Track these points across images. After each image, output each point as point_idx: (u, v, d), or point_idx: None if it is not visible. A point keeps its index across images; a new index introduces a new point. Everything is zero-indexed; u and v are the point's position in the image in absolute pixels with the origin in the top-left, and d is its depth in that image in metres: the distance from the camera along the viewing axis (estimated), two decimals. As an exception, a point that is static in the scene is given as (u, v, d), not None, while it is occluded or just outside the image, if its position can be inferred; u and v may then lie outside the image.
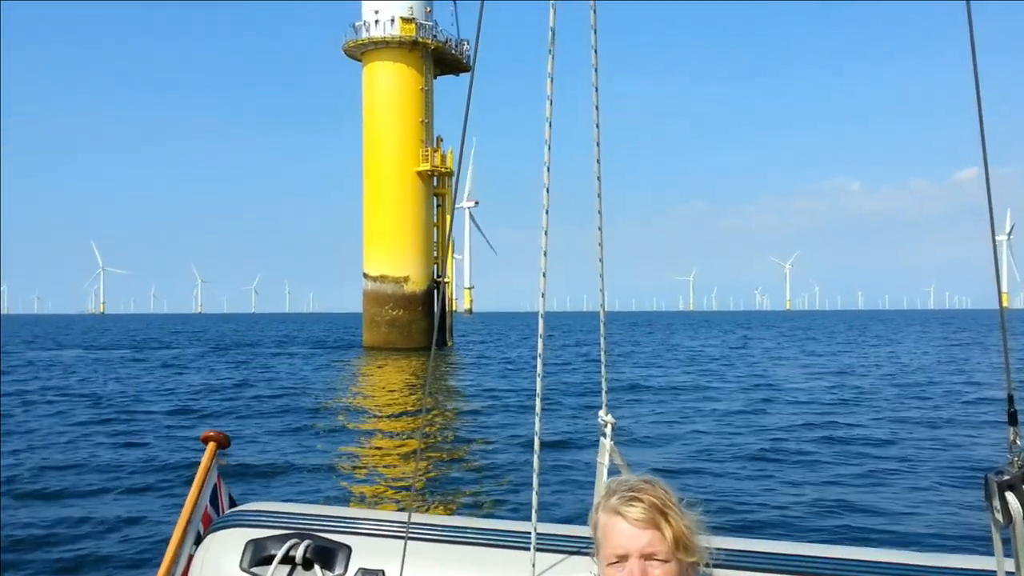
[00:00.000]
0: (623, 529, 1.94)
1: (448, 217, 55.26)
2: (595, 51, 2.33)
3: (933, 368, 33.59)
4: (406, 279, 52.51)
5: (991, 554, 1.93)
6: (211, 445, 2.86)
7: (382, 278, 52.58)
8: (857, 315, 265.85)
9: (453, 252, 55.98)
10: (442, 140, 54.41)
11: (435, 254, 54.48)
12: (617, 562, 1.94)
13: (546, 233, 2.35)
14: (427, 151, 52.93)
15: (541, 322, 2.36)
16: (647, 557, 1.91)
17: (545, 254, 2.37)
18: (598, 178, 2.47)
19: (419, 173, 52.69)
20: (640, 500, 1.95)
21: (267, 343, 65.72)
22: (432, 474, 12.40)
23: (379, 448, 15.14)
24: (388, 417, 19.82)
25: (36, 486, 11.63)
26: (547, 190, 2.33)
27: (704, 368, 35.09)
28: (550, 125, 2.30)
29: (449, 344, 54.62)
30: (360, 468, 12.93)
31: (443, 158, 53.64)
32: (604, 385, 2.61)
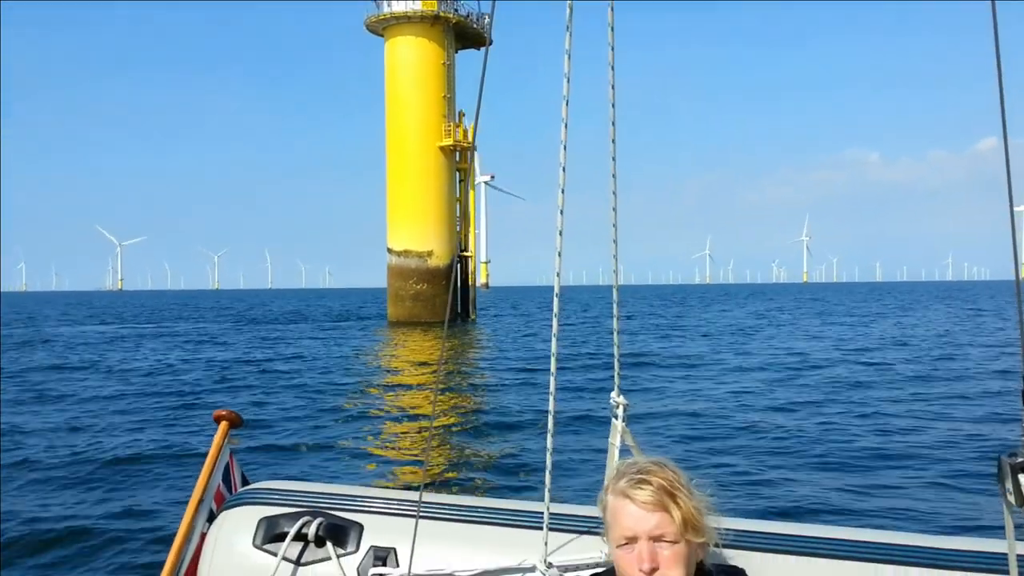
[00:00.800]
0: (631, 511, 1.94)
1: (471, 191, 55.19)
2: (612, 48, 2.28)
3: (950, 341, 33.20)
4: (430, 253, 52.54)
5: (1003, 537, 1.91)
6: (223, 424, 2.84)
7: (406, 252, 52.67)
8: (875, 287, 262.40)
9: (475, 226, 55.86)
10: (464, 115, 54.15)
11: (458, 228, 54.47)
12: (626, 544, 1.94)
13: (562, 212, 2.31)
14: (449, 126, 52.71)
15: (556, 302, 2.33)
16: (656, 539, 1.91)
17: (560, 233, 2.33)
18: (613, 175, 2.42)
19: (442, 148, 52.53)
20: (648, 482, 1.95)
21: (293, 317, 66.28)
22: (446, 452, 12.35)
23: (397, 424, 15.11)
24: (409, 390, 19.87)
25: (50, 457, 11.69)
26: (563, 169, 2.29)
27: (721, 341, 34.93)
28: (567, 103, 2.25)
29: (472, 317, 54.77)
30: (377, 445, 12.90)
31: (465, 133, 53.42)
32: (616, 367, 2.57)
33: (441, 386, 18.78)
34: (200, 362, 27.51)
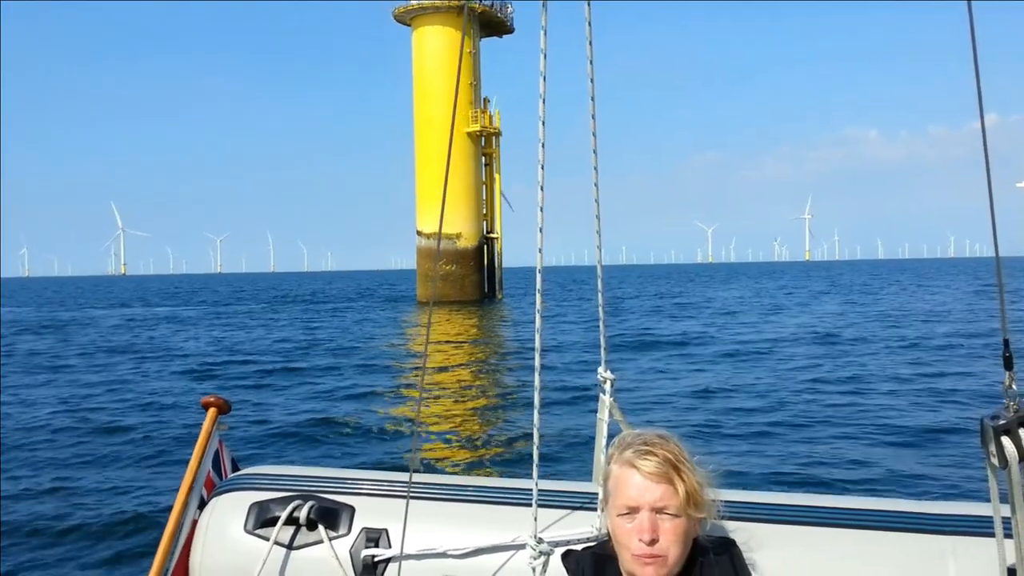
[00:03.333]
0: (636, 481, 1.89)
1: (497, 176, 55.09)
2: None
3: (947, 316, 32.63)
4: (458, 236, 52.63)
5: (987, 500, 1.89)
6: (211, 411, 2.77)
7: (435, 235, 52.73)
8: (877, 264, 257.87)
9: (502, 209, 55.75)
10: (489, 101, 53.95)
11: (484, 211, 54.48)
12: (628, 513, 1.89)
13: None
14: (476, 112, 52.58)
15: (539, 277, 2.27)
16: (658, 511, 1.86)
17: (541, 209, 2.25)
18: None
19: (469, 134, 52.43)
20: (654, 454, 1.90)
21: (321, 298, 66.71)
22: (438, 432, 12.10)
23: (399, 405, 14.81)
24: (436, 371, 19.77)
25: (44, 444, 11.56)
26: (542, 145, 2.23)
27: (721, 320, 34.53)
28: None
29: (499, 297, 54.83)
30: (374, 426, 12.64)
31: (491, 119, 53.26)
32: (603, 342, 2.50)
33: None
34: (243, 342, 27.78)
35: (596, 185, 2.39)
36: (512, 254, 54.30)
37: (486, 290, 54.10)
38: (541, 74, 2.18)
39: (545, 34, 2.17)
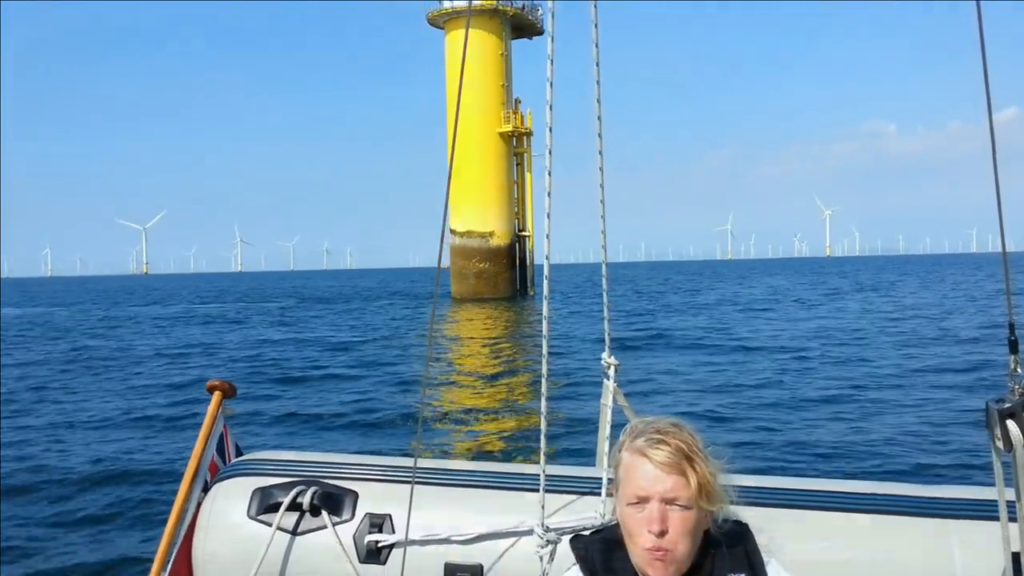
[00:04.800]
0: (647, 471, 1.80)
1: (528, 175, 55.08)
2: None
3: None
4: (491, 234, 52.79)
5: (992, 484, 1.87)
6: (216, 394, 2.72)
7: (468, 233, 52.91)
8: (900, 260, 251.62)
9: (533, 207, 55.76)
10: (520, 102, 53.94)
11: (516, 210, 54.52)
12: (637, 503, 1.81)
13: (549, 173, 2.23)
14: (508, 113, 52.64)
15: (546, 263, 2.24)
16: (669, 501, 1.78)
17: (549, 194, 2.26)
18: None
19: (501, 134, 52.50)
20: (667, 443, 1.81)
21: (353, 296, 67.16)
22: (443, 420, 12.01)
23: (409, 395, 14.65)
24: (456, 369, 19.61)
25: (52, 434, 11.53)
26: (549, 129, 2.20)
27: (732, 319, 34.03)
28: (552, 61, 2.16)
29: (531, 293, 54.84)
30: (379, 416, 12.50)
31: (522, 119, 53.27)
32: (607, 327, 2.46)
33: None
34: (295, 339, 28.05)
35: (601, 169, 2.36)
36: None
37: (518, 287, 54.17)
38: (548, 57, 2.14)
39: (553, 17, 2.15)
